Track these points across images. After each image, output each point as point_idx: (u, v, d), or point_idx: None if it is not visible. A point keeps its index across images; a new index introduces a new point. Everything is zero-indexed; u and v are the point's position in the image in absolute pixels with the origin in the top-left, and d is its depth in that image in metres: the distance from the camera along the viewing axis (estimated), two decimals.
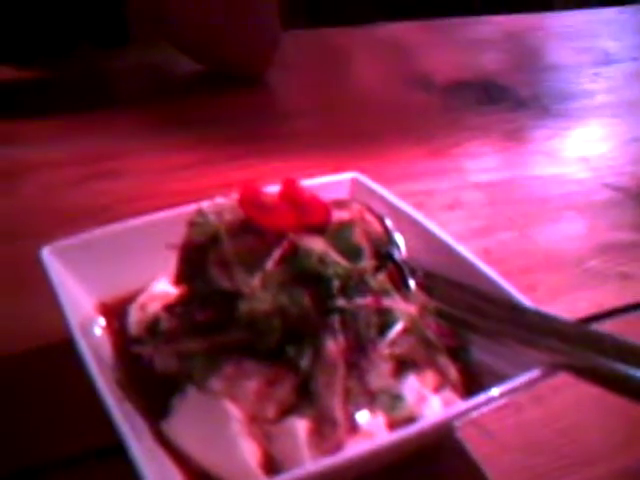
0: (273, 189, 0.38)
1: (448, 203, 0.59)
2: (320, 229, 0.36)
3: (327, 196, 0.41)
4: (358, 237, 0.37)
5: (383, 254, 0.39)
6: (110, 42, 0.92)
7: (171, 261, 0.39)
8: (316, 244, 0.35)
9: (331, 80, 0.82)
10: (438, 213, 0.56)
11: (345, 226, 0.37)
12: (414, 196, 0.57)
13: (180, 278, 0.37)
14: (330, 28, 0.92)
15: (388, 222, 0.42)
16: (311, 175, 0.62)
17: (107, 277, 0.41)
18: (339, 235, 0.36)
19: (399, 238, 0.43)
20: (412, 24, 0.96)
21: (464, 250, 0.43)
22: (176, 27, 0.76)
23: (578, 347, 0.34)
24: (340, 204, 0.39)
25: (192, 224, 0.37)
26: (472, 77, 0.84)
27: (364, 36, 0.92)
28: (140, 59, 0.84)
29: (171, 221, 0.42)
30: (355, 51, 0.89)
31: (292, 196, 0.37)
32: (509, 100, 0.79)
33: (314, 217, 0.36)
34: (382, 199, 0.48)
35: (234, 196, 0.38)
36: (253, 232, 0.35)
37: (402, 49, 0.90)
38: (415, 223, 0.46)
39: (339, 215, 0.38)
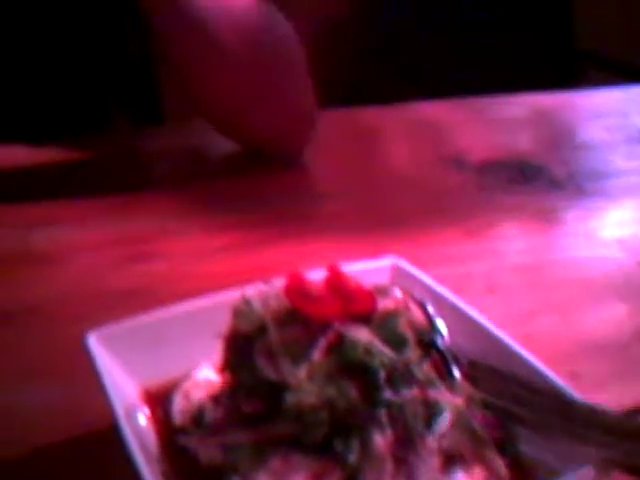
0: (318, 276, 0.38)
1: (486, 287, 0.59)
2: (366, 318, 0.36)
3: (367, 281, 0.41)
4: (403, 326, 0.37)
5: (427, 343, 0.39)
6: (145, 120, 0.95)
7: (214, 347, 0.39)
8: (362, 334, 0.35)
9: (365, 160, 0.83)
10: (477, 297, 0.56)
11: (390, 315, 0.37)
12: (452, 279, 0.57)
13: (225, 367, 0.37)
14: (363, 107, 0.94)
15: (430, 309, 0.42)
16: (347, 257, 0.63)
17: (150, 363, 0.41)
18: (385, 325, 0.36)
19: (442, 325, 0.43)
20: (443, 103, 0.97)
21: (505, 337, 0.43)
22: (211, 107, 0.77)
23: (629, 442, 0.33)
24: (382, 291, 0.40)
25: (237, 313, 0.38)
26: (505, 156, 0.84)
27: (397, 115, 0.94)
28: (175, 139, 0.86)
29: (214, 307, 0.43)
30: (389, 130, 0.91)
31: (337, 284, 0.37)
32: (543, 179, 0.80)
33: (360, 306, 0.36)
34: (422, 284, 0.48)
35: (277, 283, 0.39)
36: (299, 321, 0.35)
37: (435, 128, 0.91)
38: (456, 309, 0.46)
39: (383, 303, 0.38)
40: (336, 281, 0.37)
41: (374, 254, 0.63)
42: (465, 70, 2.10)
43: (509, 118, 0.97)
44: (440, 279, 0.49)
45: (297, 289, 0.36)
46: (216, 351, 0.39)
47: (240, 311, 0.38)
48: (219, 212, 0.70)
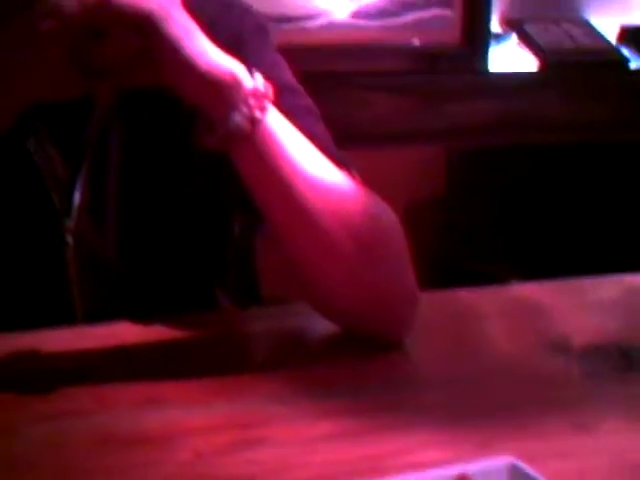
0: None
1: None
2: None
3: None
4: None
5: None
6: (245, 301, 0.98)
7: None
8: None
9: (465, 343, 0.83)
10: None
11: None
12: (566, 478, 0.56)
13: None
14: (460, 288, 0.95)
15: None
16: (452, 450, 0.62)
17: None
18: None
19: None
20: (541, 284, 0.97)
21: None
22: (315, 291, 0.79)
23: None
24: None
25: None
26: (608, 340, 0.83)
27: (495, 296, 0.94)
28: (277, 321, 0.88)
29: None
30: (488, 312, 0.91)
31: None
32: None
33: None
34: None
35: None
36: None
37: (534, 310, 0.91)
38: None
39: None
40: None
41: (480, 448, 0.63)
42: (561, 250, 2.13)
43: (609, 299, 0.97)
44: (551, 476, 0.48)
45: None
46: None
47: None
48: (320, 398, 0.71)
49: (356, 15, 2.18)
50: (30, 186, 0.81)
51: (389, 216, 0.79)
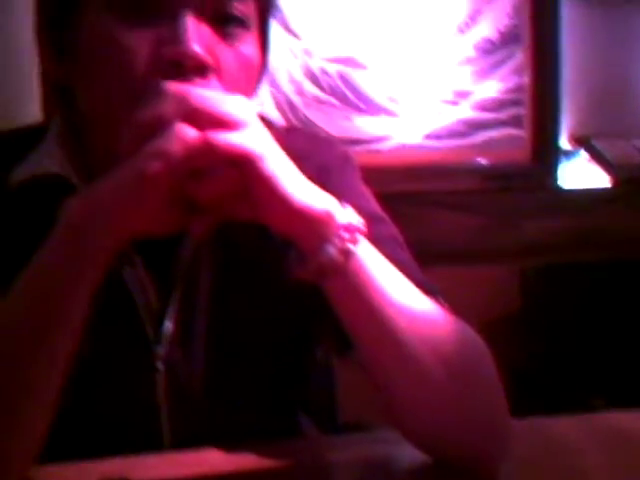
0: None
1: None
2: None
3: None
4: None
5: None
6: (325, 426, 0.97)
7: None
8: None
9: (560, 477, 0.80)
10: None
11: None
12: None
13: None
14: (545, 416, 0.92)
15: None
16: None
17: None
18: None
19: None
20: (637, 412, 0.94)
21: None
22: (401, 418, 0.78)
23: None
24: None
25: None
26: None
27: (589, 425, 0.91)
28: (361, 448, 0.86)
29: None
30: (583, 442, 0.87)
31: None
32: None
33: None
34: None
35: None
36: None
37: (631, 440, 0.87)
38: None
39: None
40: None
41: None
42: None
43: None
44: None
45: None
46: None
47: None
48: None
49: (427, 137, 2.23)
50: (124, 313, 0.83)
51: (478, 343, 0.78)
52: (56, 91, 0.84)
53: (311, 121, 2.11)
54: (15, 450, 0.71)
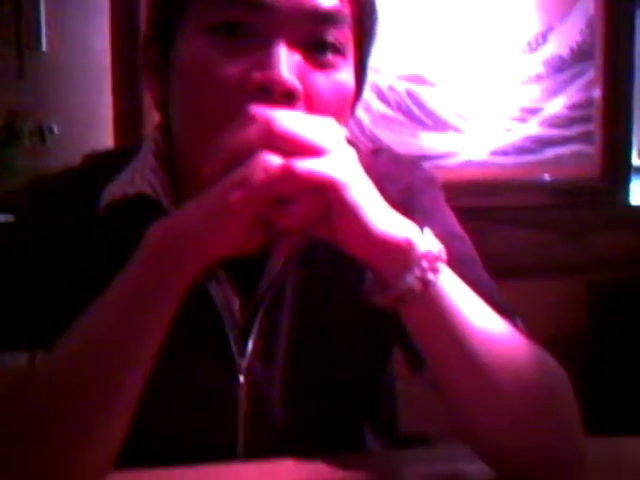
0: None
1: None
2: None
3: None
4: None
5: None
6: (388, 440, 0.98)
7: None
8: None
9: None
10: None
11: None
12: None
13: None
14: (620, 436, 0.91)
15: None
16: None
17: None
18: None
19: None
20: None
21: None
22: (476, 439, 0.78)
23: None
24: None
25: None
26: None
27: None
28: (427, 465, 0.87)
29: None
30: None
31: None
32: None
33: None
34: None
35: None
36: None
37: None
38: None
39: None
40: None
41: None
42: None
43: None
44: None
45: None
46: None
47: None
48: None
49: (494, 153, 2.23)
50: (209, 326, 0.85)
51: (556, 368, 0.78)
52: (159, 110, 0.85)
53: (378, 138, 2.13)
54: (91, 457, 0.73)
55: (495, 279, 0.88)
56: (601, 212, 2.29)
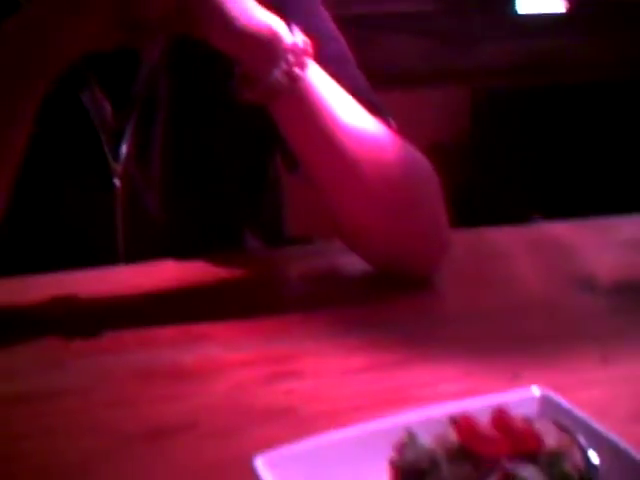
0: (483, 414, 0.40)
1: (630, 414, 0.59)
2: (532, 457, 0.38)
3: (515, 412, 0.42)
4: (569, 466, 0.38)
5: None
6: (271, 241, 1.00)
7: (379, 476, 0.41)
8: (530, 473, 0.36)
9: (493, 281, 0.85)
10: (620, 425, 0.55)
11: (556, 455, 0.38)
12: (593, 406, 0.57)
13: None
14: (487, 227, 0.96)
15: (589, 451, 0.43)
16: (483, 383, 0.64)
17: None
18: (552, 464, 0.38)
19: (595, 460, 0.43)
20: (568, 223, 0.98)
21: None
22: (347, 228, 0.81)
23: None
24: (546, 429, 0.41)
25: (403, 446, 0.40)
26: (636, 277, 0.84)
27: (522, 235, 0.96)
28: (306, 261, 0.90)
29: (376, 433, 0.45)
30: (514, 251, 0.92)
31: (505, 424, 0.38)
32: None
33: (527, 445, 0.38)
34: (572, 416, 0.48)
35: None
36: (469, 459, 0.37)
37: (561, 249, 0.92)
38: (608, 442, 0.46)
39: (547, 441, 0.39)
40: (504, 420, 0.39)
41: (510, 380, 0.65)
42: (587, 189, 2.12)
43: (632, 238, 0.97)
44: (580, 405, 0.50)
45: (468, 428, 0.38)
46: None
47: (405, 444, 0.40)
48: (352, 333, 0.73)
49: None
50: (81, 131, 0.83)
51: (423, 163, 0.81)
52: None
53: None
54: None
55: (378, 87, 0.88)
56: (487, 20, 2.28)
